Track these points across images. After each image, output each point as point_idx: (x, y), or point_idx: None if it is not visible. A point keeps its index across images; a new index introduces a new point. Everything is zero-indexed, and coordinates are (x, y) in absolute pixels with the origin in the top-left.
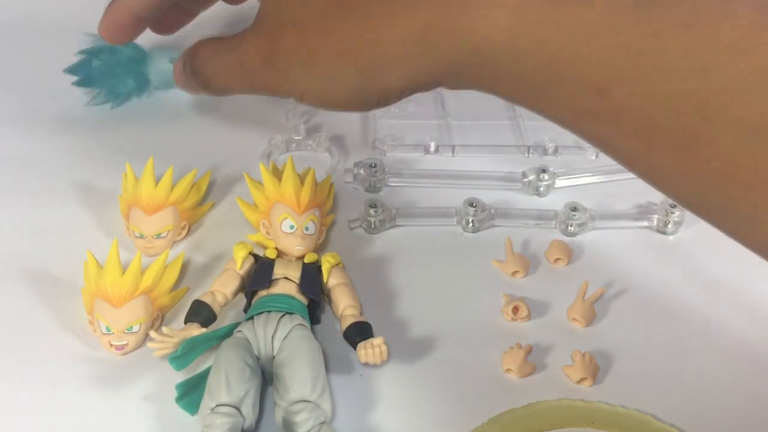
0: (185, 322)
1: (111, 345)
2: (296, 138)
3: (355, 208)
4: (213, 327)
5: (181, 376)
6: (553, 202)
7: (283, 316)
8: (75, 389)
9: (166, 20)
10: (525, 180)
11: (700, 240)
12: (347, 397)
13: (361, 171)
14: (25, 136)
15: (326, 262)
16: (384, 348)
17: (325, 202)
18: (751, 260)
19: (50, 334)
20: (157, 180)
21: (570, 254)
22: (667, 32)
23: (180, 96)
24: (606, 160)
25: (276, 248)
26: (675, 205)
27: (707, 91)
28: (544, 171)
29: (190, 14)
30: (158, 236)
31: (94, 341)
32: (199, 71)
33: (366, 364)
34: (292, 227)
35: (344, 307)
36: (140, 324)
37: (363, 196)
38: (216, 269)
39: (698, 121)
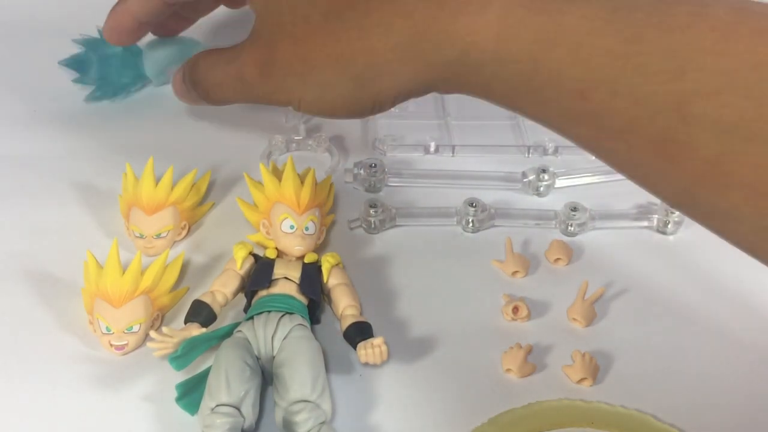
0: (185, 322)
1: (111, 345)
2: (296, 138)
3: (355, 208)
4: (213, 327)
5: (181, 376)
6: (553, 202)
7: (283, 316)
8: (75, 389)
9: (166, 25)
10: (525, 180)
11: (700, 240)
12: (347, 397)
13: (361, 171)
14: (25, 136)
15: (326, 262)
16: (384, 348)
17: (325, 202)
18: (751, 260)
19: (50, 334)
20: (157, 180)
21: (570, 254)
22: (646, 36)
23: None
24: None
25: (276, 248)
26: None
27: (685, 92)
28: (544, 171)
29: (190, 21)
30: (158, 236)
31: (94, 341)
32: (199, 82)
33: (366, 364)
34: (292, 227)
35: (344, 307)
36: (140, 324)
37: (363, 196)
38: (216, 269)
39: (677, 121)
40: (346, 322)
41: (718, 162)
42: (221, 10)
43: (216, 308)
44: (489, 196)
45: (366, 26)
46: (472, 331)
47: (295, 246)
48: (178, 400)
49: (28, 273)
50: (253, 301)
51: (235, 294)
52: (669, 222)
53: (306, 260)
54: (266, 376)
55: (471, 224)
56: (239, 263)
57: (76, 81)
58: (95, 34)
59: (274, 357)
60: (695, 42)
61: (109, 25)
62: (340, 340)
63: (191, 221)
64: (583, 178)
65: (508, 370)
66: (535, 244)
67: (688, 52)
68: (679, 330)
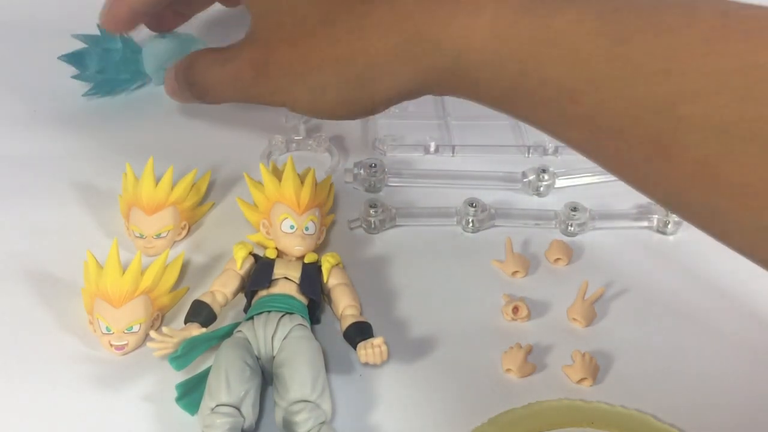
0: (185, 322)
1: (111, 345)
2: (296, 138)
3: (355, 208)
4: (213, 327)
5: (181, 376)
6: (553, 202)
7: (283, 316)
8: (75, 389)
9: (162, 18)
10: (525, 180)
11: (700, 240)
12: (347, 397)
13: (361, 171)
14: (25, 136)
15: (326, 262)
16: (384, 348)
17: (325, 202)
18: None
19: (50, 334)
20: (157, 180)
21: (570, 254)
22: (634, 39)
23: None
24: None
25: (276, 248)
26: None
27: (674, 93)
28: (544, 171)
29: (185, 16)
30: (158, 236)
31: (94, 341)
32: (196, 82)
33: (366, 364)
34: (292, 227)
35: (344, 307)
36: (140, 324)
37: (363, 196)
38: (216, 269)
39: (667, 123)
40: (346, 322)
41: (707, 163)
42: (221, 8)
43: (216, 308)
44: (489, 196)
45: (365, 27)
46: (472, 331)
47: (295, 246)
48: (178, 400)
49: (28, 273)
50: (253, 301)
51: (235, 294)
52: (669, 222)
53: (306, 260)
54: (266, 376)
55: (471, 224)
56: (239, 263)
57: (75, 77)
58: (88, 34)
59: (274, 357)
60: (683, 44)
61: (106, 14)
62: (340, 340)
63: (191, 221)
64: (583, 178)
65: (508, 370)
66: (535, 244)
67: (676, 54)
68: (679, 330)
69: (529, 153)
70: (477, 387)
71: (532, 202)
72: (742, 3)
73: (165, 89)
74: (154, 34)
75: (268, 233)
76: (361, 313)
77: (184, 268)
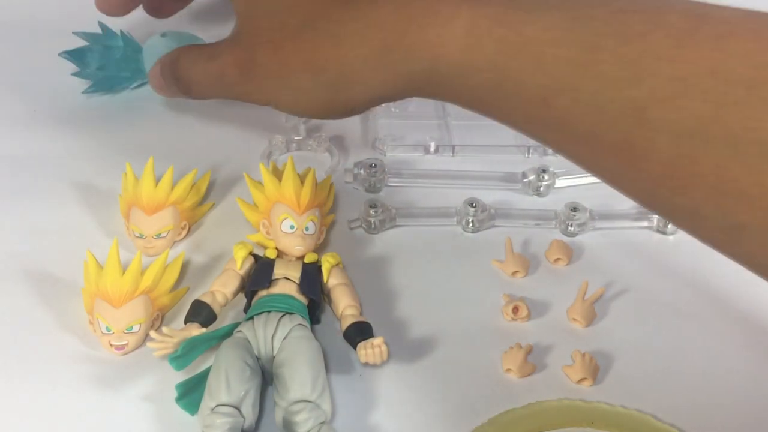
0: (185, 322)
1: (111, 345)
2: (296, 138)
3: (355, 208)
4: (213, 327)
5: (181, 376)
6: (553, 202)
7: (283, 316)
8: (75, 389)
9: (159, 5)
10: (525, 180)
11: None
12: (347, 397)
13: (361, 171)
14: (25, 136)
15: (326, 262)
16: (384, 348)
17: (325, 202)
18: None
19: (50, 334)
20: (157, 180)
21: (570, 254)
22: (604, 44)
23: None
24: None
25: (276, 248)
26: None
27: (642, 98)
28: (544, 171)
29: (184, 2)
30: (158, 236)
31: (94, 341)
32: (181, 78)
33: (366, 364)
34: (292, 227)
35: (344, 307)
36: (140, 324)
37: (363, 196)
38: (216, 269)
39: (636, 126)
40: (346, 322)
41: (677, 164)
42: (221, 6)
43: (216, 308)
44: (489, 196)
45: (340, 36)
46: (472, 331)
47: (295, 246)
48: (178, 400)
49: (28, 273)
50: (253, 301)
51: (235, 294)
52: (669, 222)
53: (306, 260)
54: (266, 376)
55: (471, 224)
56: (239, 263)
57: (75, 74)
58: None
59: (274, 357)
60: (651, 49)
61: None
62: (340, 340)
63: (191, 221)
64: (583, 178)
65: (508, 370)
66: (535, 244)
67: (644, 59)
68: (679, 330)
69: (529, 153)
70: (477, 387)
71: (532, 202)
72: (712, 5)
73: (150, 83)
74: (155, 32)
75: (268, 233)
76: (361, 313)
77: (184, 268)
